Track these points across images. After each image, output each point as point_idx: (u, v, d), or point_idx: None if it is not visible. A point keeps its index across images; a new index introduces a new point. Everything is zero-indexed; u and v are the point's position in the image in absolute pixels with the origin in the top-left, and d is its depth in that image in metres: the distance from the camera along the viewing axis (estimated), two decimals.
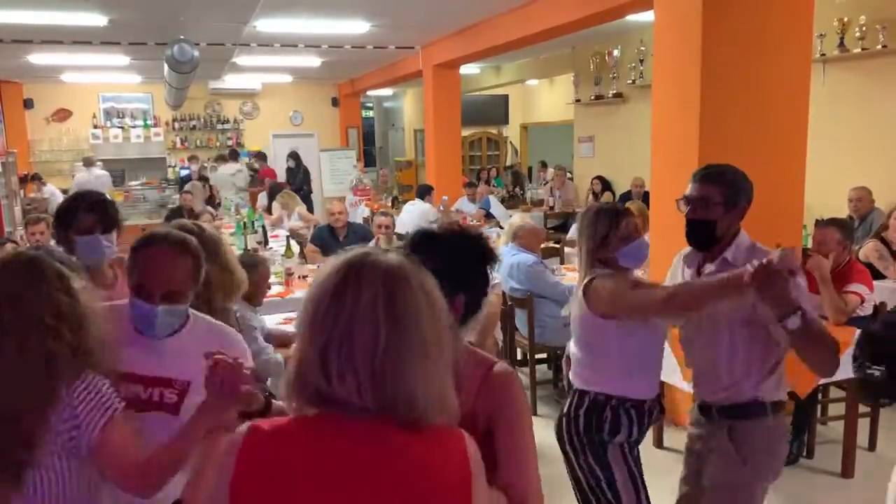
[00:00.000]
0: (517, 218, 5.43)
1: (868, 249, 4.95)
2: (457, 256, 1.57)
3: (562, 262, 6.29)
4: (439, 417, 1.14)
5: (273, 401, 1.81)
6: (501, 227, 7.27)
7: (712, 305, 2.30)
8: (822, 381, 3.69)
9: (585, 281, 2.49)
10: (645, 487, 2.52)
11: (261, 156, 12.51)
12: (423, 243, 1.60)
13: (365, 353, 1.10)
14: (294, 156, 12.21)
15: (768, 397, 2.38)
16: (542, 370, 5.27)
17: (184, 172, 12.67)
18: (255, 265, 3.63)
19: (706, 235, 2.37)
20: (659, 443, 4.19)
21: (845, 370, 3.62)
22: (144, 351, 1.87)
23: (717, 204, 2.33)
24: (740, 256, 2.33)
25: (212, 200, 10.40)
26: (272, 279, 5.18)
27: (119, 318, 1.86)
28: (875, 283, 4.37)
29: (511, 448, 1.49)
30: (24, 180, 10.96)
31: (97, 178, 10.67)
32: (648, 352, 2.53)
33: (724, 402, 2.43)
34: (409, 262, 1.19)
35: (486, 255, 1.65)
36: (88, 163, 11.01)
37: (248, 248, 6.54)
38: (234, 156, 12.21)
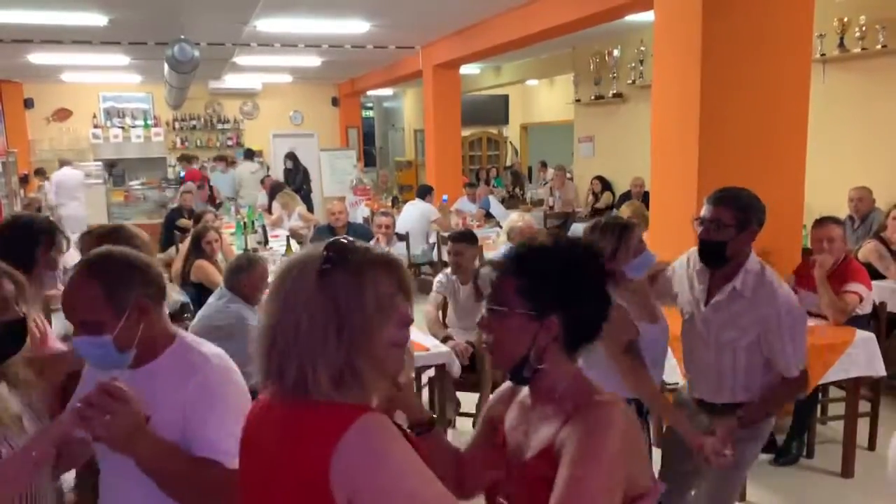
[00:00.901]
0: (515, 216, 5.43)
1: (868, 249, 4.94)
2: (547, 271, 1.37)
3: None
4: (336, 395, 1.19)
5: None
6: (501, 227, 7.27)
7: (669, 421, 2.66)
8: (822, 381, 3.69)
9: None
10: None
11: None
12: (518, 257, 1.41)
13: (260, 337, 1.27)
14: (291, 156, 12.19)
15: None
16: None
17: (183, 175, 12.68)
18: (249, 266, 3.63)
19: (717, 256, 2.51)
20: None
21: (845, 370, 3.66)
22: (124, 377, 1.54)
23: (729, 226, 2.45)
24: (748, 285, 2.48)
25: (212, 201, 10.41)
26: (272, 279, 5.18)
27: None
28: (875, 283, 4.37)
29: (561, 485, 1.29)
30: (24, 180, 10.97)
31: (68, 178, 10.65)
32: (649, 352, 2.55)
33: (728, 401, 2.56)
34: (307, 254, 1.27)
35: (589, 271, 1.40)
36: (63, 163, 11.06)
37: (249, 248, 6.54)
38: (249, 155, 12.39)
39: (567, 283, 1.37)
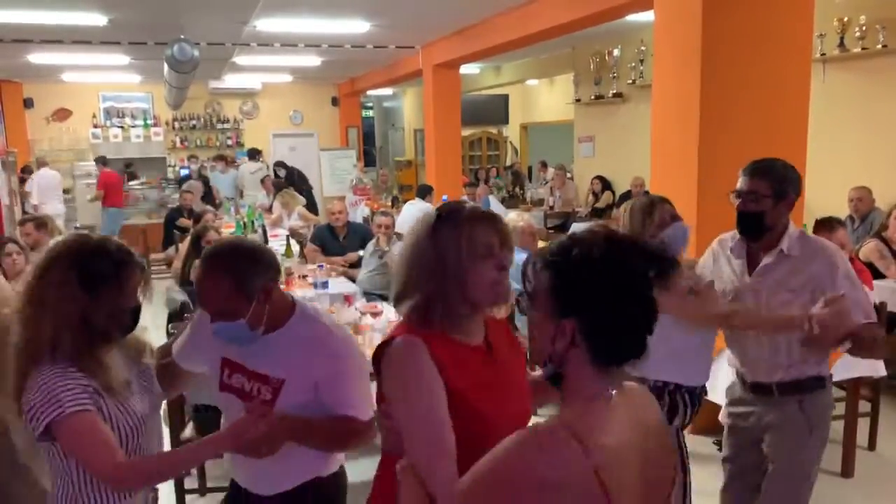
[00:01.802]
0: (513, 216, 5.42)
1: (869, 249, 4.95)
2: (573, 269, 1.23)
3: None
4: (414, 317, 1.57)
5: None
6: None
7: (764, 331, 2.49)
8: None
9: None
10: None
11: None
12: (558, 249, 1.28)
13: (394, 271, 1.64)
14: (280, 164, 11.81)
15: (825, 372, 2.54)
16: None
17: (184, 172, 12.68)
18: None
19: (757, 227, 2.49)
20: None
21: (845, 370, 3.66)
22: (257, 345, 1.89)
23: (766, 196, 2.44)
24: (795, 246, 2.46)
25: (212, 200, 10.41)
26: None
27: None
28: (875, 282, 4.38)
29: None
30: (23, 181, 11.01)
31: (47, 179, 10.87)
32: (696, 340, 2.63)
33: (784, 379, 2.51)
34: (428, 213, 1.59)
35: (621, 272, 1.21)
36: (41, 164, 11.28)
37: None
38: (253, 155, 12.36)
39: (587, 284, 1.21)
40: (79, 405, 1.66)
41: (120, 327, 1.83)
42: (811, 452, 2.54)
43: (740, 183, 2.51)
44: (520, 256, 5.32)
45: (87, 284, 1.73)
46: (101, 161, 11.32)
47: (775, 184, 2.45)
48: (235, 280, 1.82)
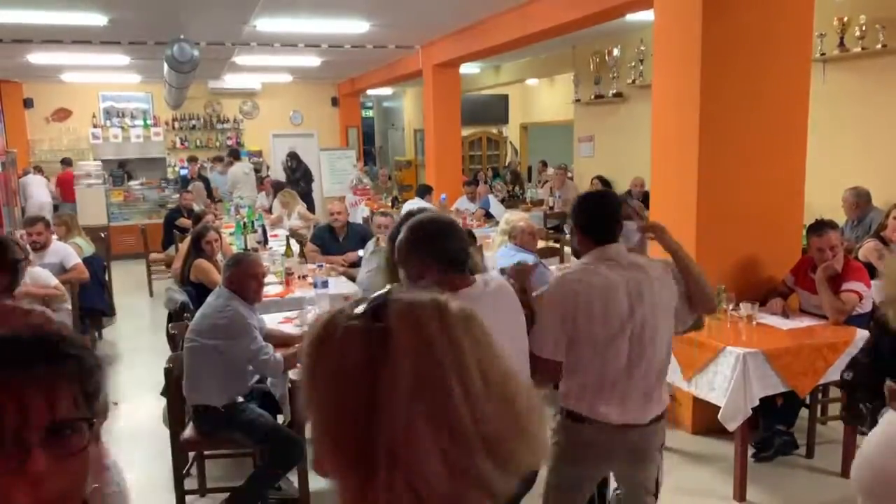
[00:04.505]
0: (514, 216, 5.41)
1: (868, 249, 4.94)
2: None
3: (561, 262, 6.29)
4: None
5: None
6: None
7: None
8: (822, 380, 3.69)
9: None
10: None
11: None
12: None
13: None
14: (293, 155, 12.10)
15: None
16: None
17: (183, 172, 12.67)
18: (234, 263, 3.62)
19: None
20: None
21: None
22: None
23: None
24: None
25: (212, 199, 10.42)
26: (273, 279, 5.18)
27: None
28: (875, 282, 4.36)
29: None
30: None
31: (33, 183, 11.04)
32: None
33: None
34: None
35: None
36: (37, 170, 11.66)
37: (248, 247, 6.54)
38: (235, 154, 12.34)
39: None
40: None
41: None
42: None
43: None
44: (520, 256, 5.33)
45: None
46: (67, 162, 12.00)
47: None
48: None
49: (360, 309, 0.82)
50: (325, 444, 0.81)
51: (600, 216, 2.45)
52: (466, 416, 0.77)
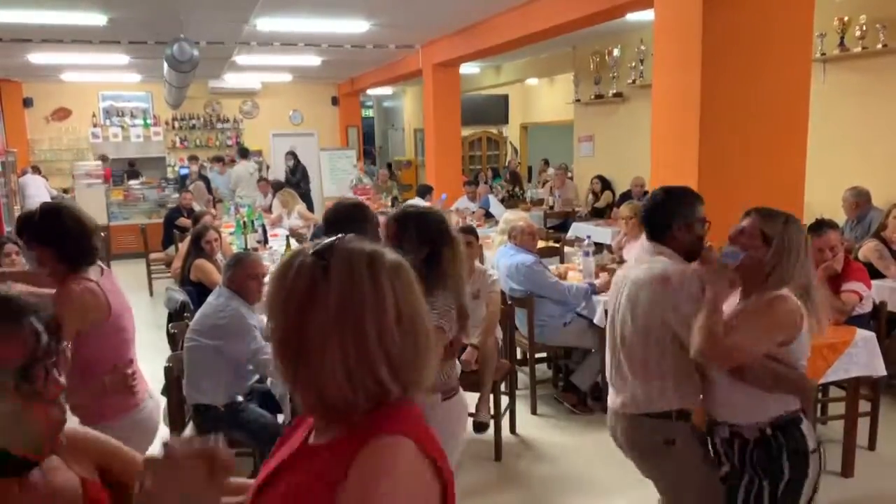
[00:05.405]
0: (511, 215, 5.41)
1: (868, 249, 4.94)
2: None
3: (562, 262, 6.28)
4: None
5: None
6: None
7: None
8: (823, 380, 3.69)
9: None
10: None
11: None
12: None
13: None
14: (292, 154, 12.15)
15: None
16: (542, 369, 5.27)
17: (183, 172, 12.68)
18: (235, 263, 3.62)
19: None
20: None
21: (845, 370, 3.66)
22: None
23: None
24: None
25: (212, 198, 10.42)
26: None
27: None
28: (875, 282, 4.37)
29: None
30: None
31: (33, 184, 10.99)
32: None
33: None
34: None
35: None
36: (35, 170, 11.55)
37: (248, 247, 6.54)
38: (244, 154, 12.40)
39: None
40: None
41: None
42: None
43: None
44: (520, 257, 5.31)
45: None
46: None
47: None
48: None
49: (312, 249, 1.09)
50: (275, 347, 1.09)
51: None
52: (374, 341, 1.04)
